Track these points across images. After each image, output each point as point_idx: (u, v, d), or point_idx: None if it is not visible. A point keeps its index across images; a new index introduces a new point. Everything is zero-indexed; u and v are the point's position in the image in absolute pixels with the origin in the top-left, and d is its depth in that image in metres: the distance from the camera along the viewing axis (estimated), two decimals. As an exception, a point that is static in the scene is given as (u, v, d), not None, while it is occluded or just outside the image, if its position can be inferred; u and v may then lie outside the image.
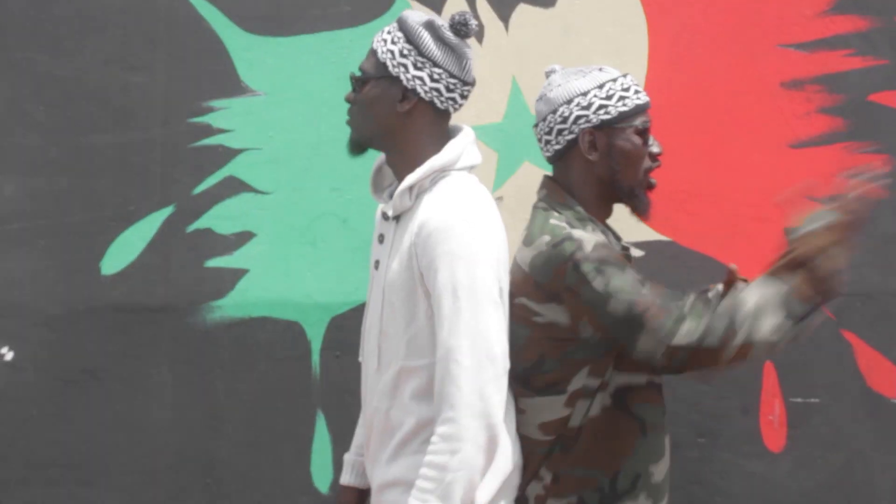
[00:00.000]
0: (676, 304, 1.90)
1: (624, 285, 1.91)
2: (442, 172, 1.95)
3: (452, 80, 1.97)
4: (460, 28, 1.96)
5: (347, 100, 2.03)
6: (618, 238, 2.15)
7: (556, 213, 2.03)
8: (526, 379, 2.00)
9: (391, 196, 2.01)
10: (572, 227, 1.99)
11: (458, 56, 1.98)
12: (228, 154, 2.79)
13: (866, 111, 2.70)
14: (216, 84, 2.79)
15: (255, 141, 2.79)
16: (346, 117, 2.04)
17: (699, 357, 1.88)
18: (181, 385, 2.80)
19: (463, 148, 1.98)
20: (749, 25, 2.72)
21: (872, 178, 1.98)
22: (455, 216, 1.87)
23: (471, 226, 1.86)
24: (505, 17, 2.75)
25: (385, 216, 2.02)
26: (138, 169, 2.80)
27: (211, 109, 2.79)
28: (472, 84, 2.02)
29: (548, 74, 2.17)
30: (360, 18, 2.76)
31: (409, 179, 1.93)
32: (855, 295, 2.68)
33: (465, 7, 2.74)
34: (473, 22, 1.96)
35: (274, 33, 2.78)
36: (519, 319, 1.99)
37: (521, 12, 2.75)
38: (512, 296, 2.00)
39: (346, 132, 2.07)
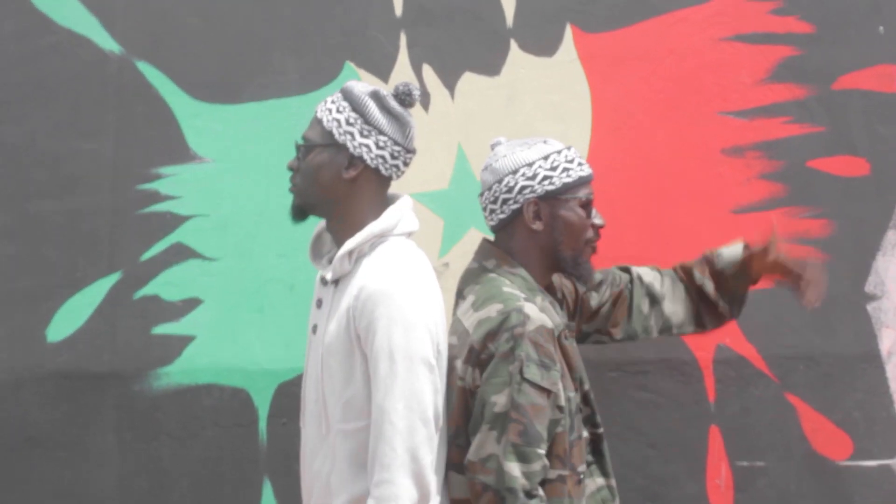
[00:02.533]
0: (535, 452, 1.91)
1: (533, 386, 1.92)
2: (381, 237, 1.99)
3: (397, 148, 2.02)
4: (404, 98, 2.02)
5: (290, 167, 2.07)
6: (561, 311, 2.17)
7: (507, 281, 2.05)
8: (449, 447, 2.01)
9: (330, 262, 2.05)
10: (525, 298, 2.01)
11: (402, 124, 2.03)
12: (176, 220, 2.78)
13: (805, 177, 2.73)
14: (164, 151, 2.78)
15: (202, 207, 2.79)
16: (290, 185, 2.08)
17: (479, 493, 1.91)
18: (127, 453, 2.76)
19: (401, 214, 2.02)
20: (690, 93, 2.75)
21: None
22: (393, 281, 1.90)
23: (408, 291, 1.90)
24: (450, 85, 2.78)
25: (324, 281, 2.05)
26: (86, 235, 2.78)
27: (159, 176, 2.79)
28: (414, 152, 2.08)
29: (493, 146, 2.21)
30: (307, 86, 2.78)
31: (349, 244, 1.97)
32: (798, 358, 2.70)
33: (412, 75, 2.77)
34: (417, 91, 2.02)
35: (222, 101, 2.79)
36: (451, 382, 2.01)
37: (467, 80, 2.78)
38: (451, 358, 2.03)
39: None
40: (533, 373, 1.92)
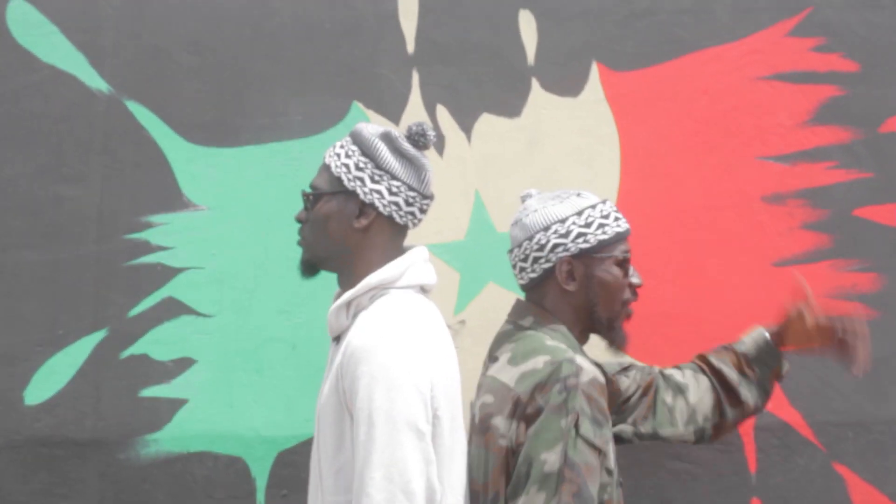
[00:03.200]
0: None
1: (587, 443, 1.78)
2: (381, 290, 1.84)
3: (412, 194, 1.88)
4: (418, 139, 1.89)
5: (298, 219, 1.94)
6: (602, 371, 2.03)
7: (548, 337, 1.93)
8: None
9: None
10: (573, 351, 1.89)
11: (417, 168, 1.89)
12: (167, 273, 2.60)
13: (851, 227, 2.56)
14: (155, 197, 2.61)
15: (196, 259, 2.60)
16: (297, 237, 1.96)
17: None
18: None
19: (408, 265, 1.88)
20: (726, 136, 2.59)
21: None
22: (378, 336, 1.75)
23: (394, 347, 1.74)
24: (467, 128, 2.60)
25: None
26: (69, 288, 2.60)
27: (149, 225, 2.61)
28: (431, 198, 1.95)
29: (523, 198, 2.10)
30: (311, 129, 2.61)
31: (346, 296, 1.84)
32: (847, 425, 2.52)
33: (425, 116, 2.59)
34: (432, 133, 1.89)
35: (219, 143, 2.62)
36: (489, 445, 1.87)
37: (485, 122, 2.60)
38: (487, 417, 1.89)
39: (296, 250, 1.98)
40: (587, 429, 1.79)
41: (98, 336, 2.58)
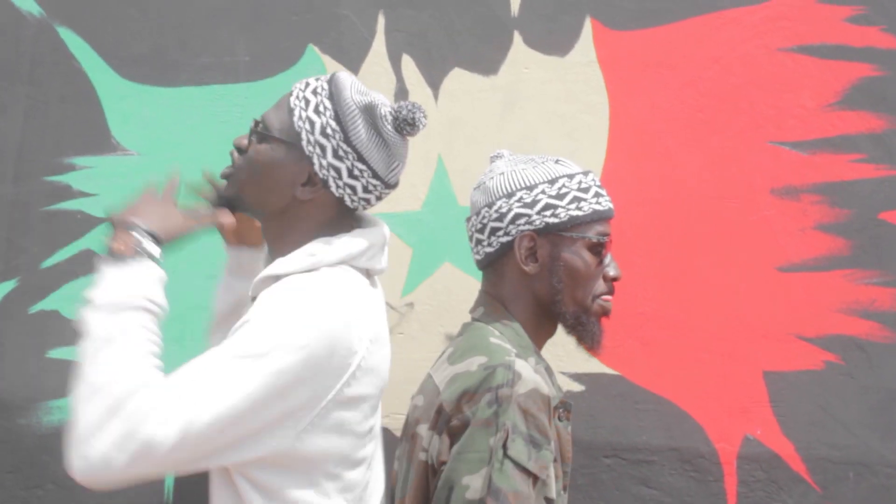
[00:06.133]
0: None
1: (517, 467, 1.51)
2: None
3: (374, 182, 1.60)
4: (404, 126, 1.59)
5: (237, 145, 1.64)
6: (556, 384, 1.75)
7: (495, 332, 1.67)
8: None
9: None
10: (517, 354, 1.61)
11: (391, 157, 1.60)
12: (88, 223, 2.38)
13: (874, 231, 2.25)
14: (81, 137, 2.39)
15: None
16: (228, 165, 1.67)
17: None
18: (5, 501, 2.35)
19: (364, 249, 1.59)
20: (736, 114, 2.29)
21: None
22: (294, 293, 1.49)
23: (313, 302, 1.47)
24: (435, 84, 2.32)
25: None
26: None
27: (72, 167, 2.39)
28: (394, 187, 1.66)
29: (492, 159, 1.81)
30: (260, 72, 2.36)
31: (278, 268, 1.56)
32: (847, 463, 2.21)
33: (388, 66, 2.31)
34: (424, 120, 1.59)
35: (155, 81, 2.38)
36: (412, 456, 1.65)
37: (456, 78, 2.32)
38: (415, 423, 1.66)
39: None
40: (519, 450, 1.51)
41: (7, 287, 2.38)
